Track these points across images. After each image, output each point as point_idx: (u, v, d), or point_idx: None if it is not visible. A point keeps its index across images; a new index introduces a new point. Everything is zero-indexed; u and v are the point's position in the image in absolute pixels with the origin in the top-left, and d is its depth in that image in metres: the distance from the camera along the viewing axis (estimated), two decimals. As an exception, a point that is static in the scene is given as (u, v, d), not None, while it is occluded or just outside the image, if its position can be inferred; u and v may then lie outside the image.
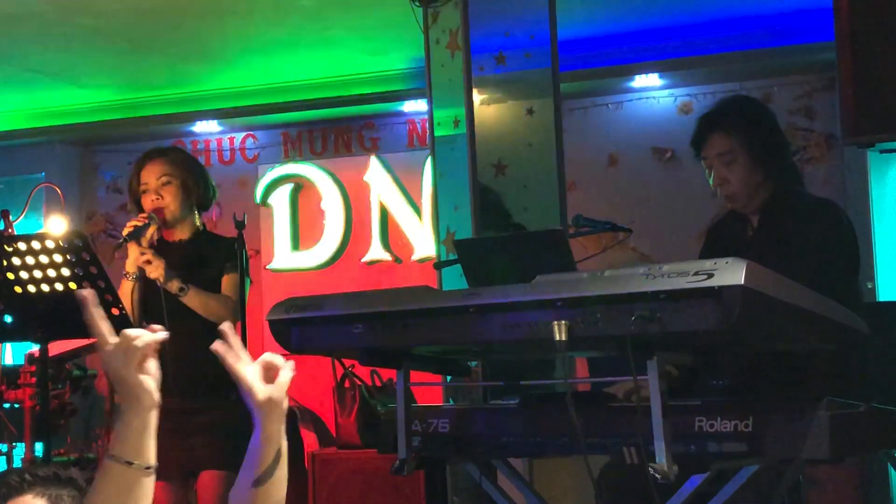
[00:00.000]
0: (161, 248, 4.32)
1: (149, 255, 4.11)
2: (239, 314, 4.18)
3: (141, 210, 4.29)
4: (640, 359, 2.34)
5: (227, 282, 4.24)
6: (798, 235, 3.32)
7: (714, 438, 2.48)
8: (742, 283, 2.12)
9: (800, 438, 2.41)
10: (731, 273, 2.14)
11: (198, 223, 4.37)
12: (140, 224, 4.16)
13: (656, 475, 2.35)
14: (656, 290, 2.22)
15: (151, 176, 4.28)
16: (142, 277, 4.21)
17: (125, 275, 4.15)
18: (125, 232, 4.15)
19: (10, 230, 3.99)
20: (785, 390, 3.08)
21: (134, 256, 4.18)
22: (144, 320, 4.18)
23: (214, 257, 4.30)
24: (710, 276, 2.16)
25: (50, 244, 3.63)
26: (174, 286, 4.13)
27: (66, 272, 3.64)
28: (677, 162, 6.82)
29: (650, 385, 2.37)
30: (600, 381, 3.10)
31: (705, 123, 3.50)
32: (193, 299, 4.16)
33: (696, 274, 2.18)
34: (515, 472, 3.20)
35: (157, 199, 4.26)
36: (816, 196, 3.54)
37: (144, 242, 4.22)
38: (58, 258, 3.63)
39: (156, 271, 4.11)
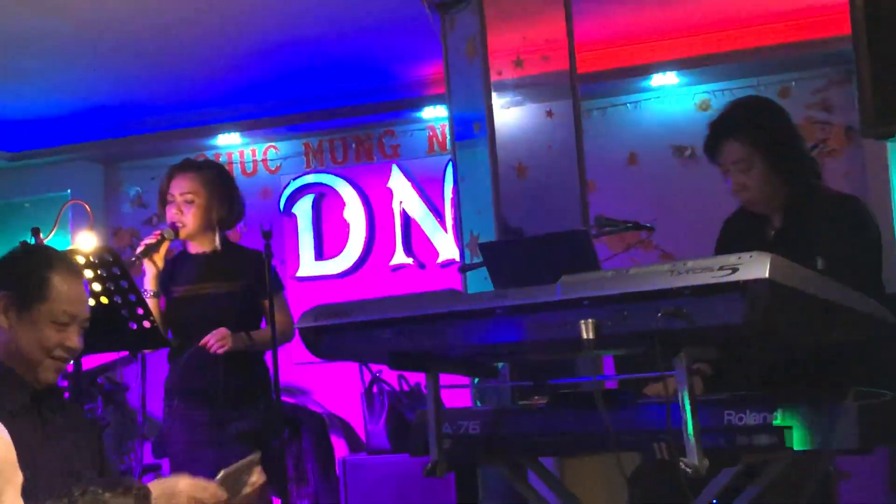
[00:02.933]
0: (183, 259, 4.39)
1: (214, 339, 4.14)
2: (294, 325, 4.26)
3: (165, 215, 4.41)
4: (667, 355, 2.36)
5: (276, 304, 4.27)
6: (823, 233, 3.30)
7: (743, 432, 2.50)
8: (767, 276, 2.14)
9: (829, 430, 2.42)
10: (756, 267, 2.16)
11: (217, 237, 4.41)
12: (153, 242, 4.25)
13: (687, 470, 2.37)
14: (681, 286, 2.23)
15: (177, 189, 4.35)
16: (163, 292, 4.30)
17: (144, 292, 4.19)
18: (139, 250, 4.24)
19: (40, 247, 4.02)
20: (813, 381, 3.08)
21: (152, 274, 4.27)
22: (173, 333, 4.24)
23: (240, 269, 4.35)
24: (735, 270, 2.17)
25: (80, 260, 3.67)
26: (243, 343, 4.20)
27: (97, 287, 3.69)
28: (697, 159, 6.81)
29: (678, 380, 2.39)
30: (628, 379, 3.12)
31: (716, 131, 3.46)
32: (262, 343, 4.24)
33: (720, 269, 2.20)
34: (546, 471, 3.22)
35: (178, 213, 4.33)
36: (838, 192, 3.52)
37: (159, 259, 4.30)
38: (89, 273, 3.68)
39: (226, 345, 4.16)
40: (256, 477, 2.74)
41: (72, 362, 3.95)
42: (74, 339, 2.65)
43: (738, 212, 3.62)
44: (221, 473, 2.60)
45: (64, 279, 2.65)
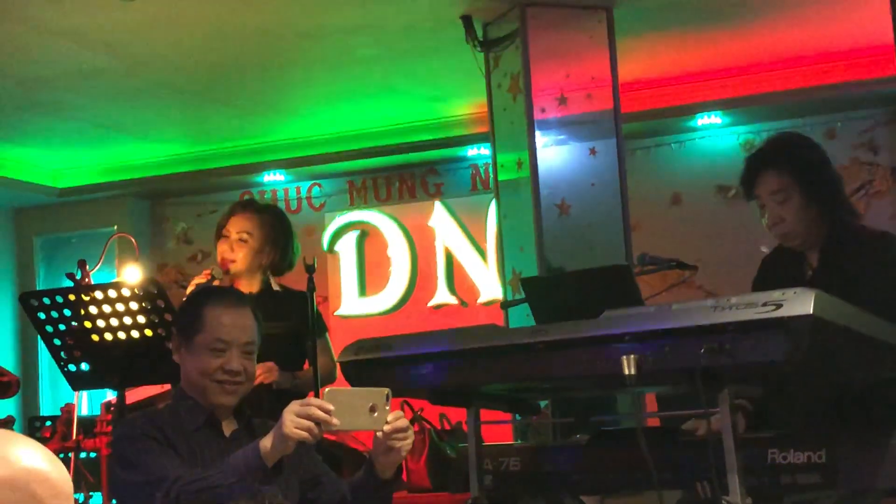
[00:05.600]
0: None
1: (261, 371, 4.16)
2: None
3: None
4: (710, 391, 2.34)
5: (319, 347, 4.29)
6: (861, 270, 3.28)
7: (787, 470, 2.46)
8: (811, 312, 2.12)
9: (874, 468, 2.39)
10: (800, 303, 2.14)
11: (270, 279, 4.44)
12: (203, 281, 4.26)
13: (730, 509, 2.35)
14: (725, 322, 2.22)
15: (234, 227, 4.39)
16: None
17: None
18: (189, 289, 4.25)
19: (87, 280, 4.06)
20: (858, 419, 3.05)
21: None
22: None
23: (286, 311, 4.36)
24: (779, 306, 2.15)
25: (126, 292, 3.69)
26: (288, 381, 4.23)
27: (141, 319, 3.71)
28: (742, 199, 6.75)
29: (721, 418, 2.37)
30: (671, 416, 3.09)
31: (755, 162, 3.47)
32: (306, 383, 4.26)
33: (764, 305, 2.18)
34: (588, 509, 3.20)
35: (229, 251, 4.37)
36: (874, 229, 3.50)
37: None
38: (133, 306, 3.70)
39: (271, 376, 4.18)
40: (389, 415, 2.53)
41: (115, 395, 4.00)
42: (235, 363, 2.86)
43: (775, 250, 3.60)
44: (327, 389, 2.51)
45: (214, 310, 2.89)
